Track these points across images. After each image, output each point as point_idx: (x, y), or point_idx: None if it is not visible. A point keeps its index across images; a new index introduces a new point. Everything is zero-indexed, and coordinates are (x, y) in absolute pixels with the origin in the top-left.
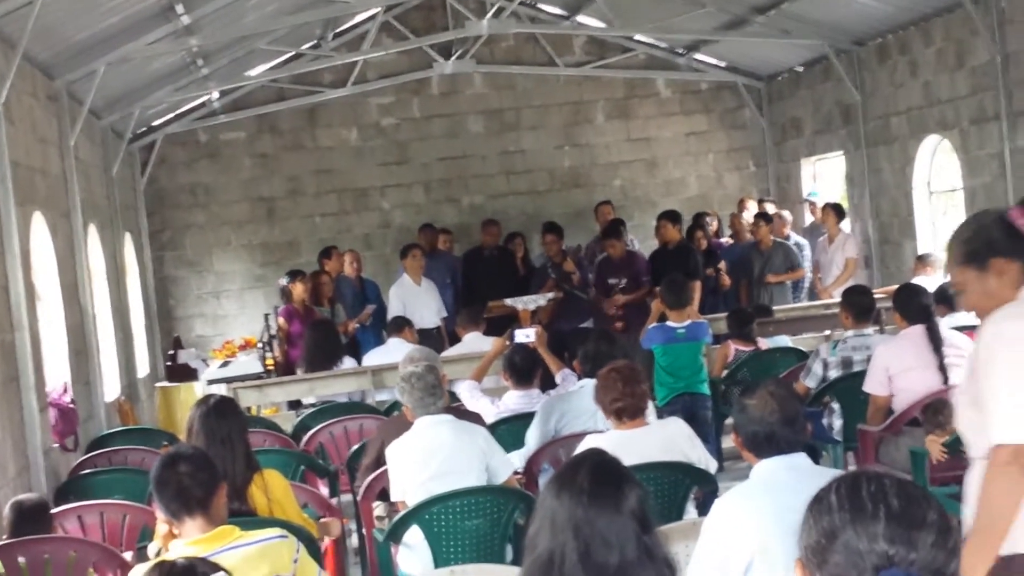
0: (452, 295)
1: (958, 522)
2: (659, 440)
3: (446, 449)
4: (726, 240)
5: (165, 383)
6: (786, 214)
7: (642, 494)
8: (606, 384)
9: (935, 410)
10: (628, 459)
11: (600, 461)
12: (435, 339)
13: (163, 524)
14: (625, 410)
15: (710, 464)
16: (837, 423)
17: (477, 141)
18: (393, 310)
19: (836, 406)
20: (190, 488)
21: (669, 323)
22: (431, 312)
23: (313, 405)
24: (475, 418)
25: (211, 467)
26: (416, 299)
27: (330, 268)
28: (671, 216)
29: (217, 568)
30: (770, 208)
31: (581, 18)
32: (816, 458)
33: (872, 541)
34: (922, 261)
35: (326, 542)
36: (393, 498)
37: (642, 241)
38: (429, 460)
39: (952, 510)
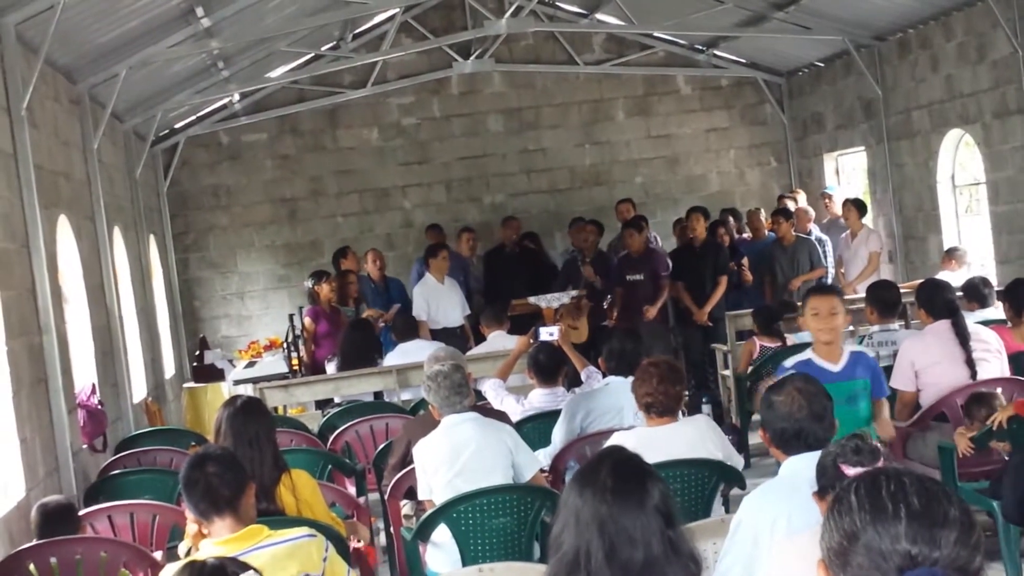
0: (464, 295)
1: (988, 515)
2: (685, 437)
3: (472, 447)
4: (747, 235)
5: (192, 384)
6: (810, 209)
7: (665, 489)
8: (642, 376)
9: (981, 403)
10: (654, 456)
11: (621, 458)
12: (459, 337)
13: (193, 524)
14: (653, 406)
15: (736, 461)
16: None
17: (497, 140)
18: (418, 309)
19: None
20: (219, 488)
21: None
22: (456, 311)
23: (339, 404)
24: (501, 416)
25: (239, 467)
26: (440, 298)
27: (348, 267)
28: (703, 211)
29: (247, 567)
30: (802, 200)
31: (600, 16)
32: None
33: (894, 541)
34: (949, 255)
35: (355, 544)
36: (420, 497)
37: (663, 239)
38: (455, 458)
39: (984, 506)
